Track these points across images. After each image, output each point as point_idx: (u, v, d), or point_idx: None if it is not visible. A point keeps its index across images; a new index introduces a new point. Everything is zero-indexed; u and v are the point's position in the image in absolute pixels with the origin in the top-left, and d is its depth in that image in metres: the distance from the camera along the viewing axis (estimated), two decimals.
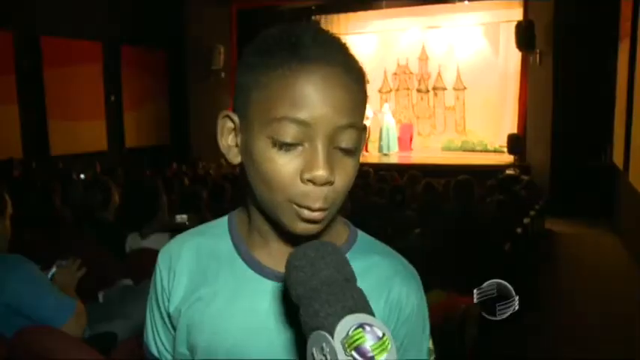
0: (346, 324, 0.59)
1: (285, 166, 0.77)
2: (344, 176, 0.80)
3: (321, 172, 0.76)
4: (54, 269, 2.43)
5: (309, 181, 0.77)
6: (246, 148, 0.82)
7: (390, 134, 13.62)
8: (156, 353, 1.00)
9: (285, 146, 0.77)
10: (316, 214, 0.79)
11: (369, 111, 13.13)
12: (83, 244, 3.38)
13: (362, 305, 0.63)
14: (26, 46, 9.70)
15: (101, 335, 2.41)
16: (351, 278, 0.68)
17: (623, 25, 7.87)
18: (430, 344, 0.94)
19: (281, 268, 0.79)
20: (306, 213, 0.79)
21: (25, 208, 4.33)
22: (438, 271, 3.03)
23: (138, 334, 2.43)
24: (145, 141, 12.34)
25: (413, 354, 0.90)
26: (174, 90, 12.97)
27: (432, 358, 0.94)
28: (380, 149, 13.64)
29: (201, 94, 12.31)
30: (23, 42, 9.63)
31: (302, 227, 0.80)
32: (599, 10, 9.07)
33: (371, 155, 13.58)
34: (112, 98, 11.58)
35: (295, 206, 0.79)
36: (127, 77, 11.91)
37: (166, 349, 0.98)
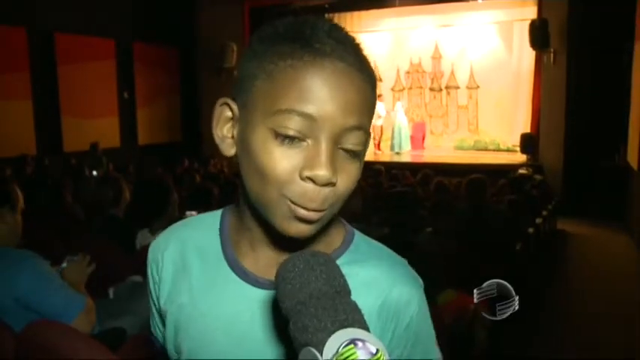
0: (337, 340, 0.56)
1: (284, 160, 0.73)
2: (347, 179, 0.76)
3: (323, 172, 0.72)
4: (64, 265, 2.44)
5: (309, 179, 0.73)
6: (243, 139, 0.78)
7: (402, 133, 13.57)
8: (160, 340, 1.00)
9: (287, 140, 0.73)
10: (312, 214, 0.75)
11: (381, 109, 13.13)
12: (94, 241, 3.39)
13: (354, 319, 0.60)
14: (40, 42, 9.78)
15: (110, 331, 2.42)
16: (342, 290, 0.64)
17: (639, 24, 7.80)
18: (436, 345, 0.90)
19: (266, 275, 0.77)
20: (301, 211, 0.74)
21: (37, 204, 4.36)
22: (449, 270, 3.02)
23: (147, 329, 2.44)
24: (157, 138, 12.40)
25: None
26: (187, 87, 13.02)
27: None
28: (392, 148, 13.60)
29: (214, 92, 12.30)
30: (37, 39, 9.70)
31: (295, 228, 0.76)
32: (614, 9, 9.00)
33: (383, 154, 13.55)
34: (126, 95, 11.64)
35: (290, 203, 0.74)
36: (140, 74, 11.97)
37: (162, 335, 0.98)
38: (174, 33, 12.22)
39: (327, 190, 0.74)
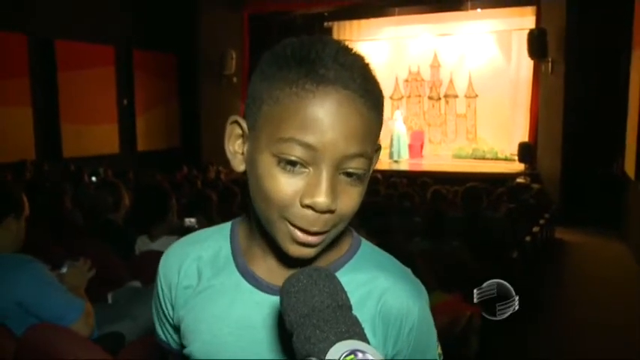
0: (337, 351, 0.58)
1: (286, 186, 0.75)
2: (348, 203, 0.78)
3: (322, 199, 0.74)
4: (64, 270, 2.45)
5: (309, 206, 0.75)
6: (250, 159, 0.80)
7: (400, 141, 13.59)
8: (165, 340, 1.03)
9: (289, 166, 0.75)
10: (312, 238, 0.77)
11: None
12: (93, 246, 3.41)
13: (355, 332, 0.62)
14: (40, 49, 9.79)
15: (108, 335, 2.42)
16: (344, 305, 0.66)
17: (637, 33, 7.83)
18: (438, 349, 0.93)
19: (277, 282, 0.79)
20: (301, 235, 0.77)
21: (37, 209, 4.37)
22: (445, 278, 3.03)
23: (145, 335, 2.45)
24: (156, 144, 12.39)
25: None
26: (186, 94, 13.03)
27: None
28: (391, 156, 13.61)
29: (213, 99, 12.36)
30: (37, 45, 9.72)
31: (296, 250, 0.79)
32: (612, 18, 9.04)
33: (381, 162, 13.54)
34: (125, 102, 11.66)
35: (290, 226, 0.77)
36: (139, 81, 11.98)
37: (174, 341, 1.00)
38: (173, 40, 12.23)
39: (326, 215, 0.76)
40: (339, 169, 0.76)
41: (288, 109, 0.74)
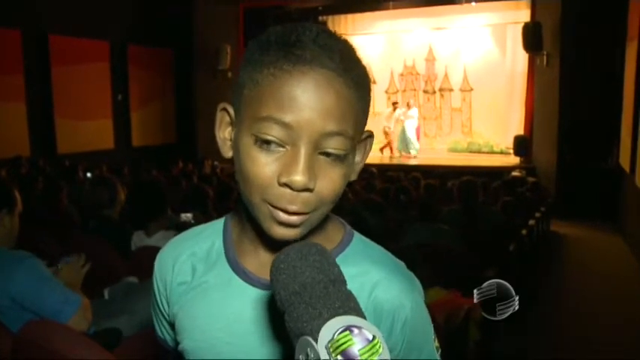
0: (331, 327, 0.56)
1: (264, 166, 0.75)
2: (328, 184, 0.77)
3: (298, 178, 0.73)
4: (60, 265, 2.45)
5: (286, 185, 0.74)
6: (235, 144, 0.81)
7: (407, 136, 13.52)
8: (162, 337, 1.05)
9: (266, 146, 0.75)
10: (293, 218, 0.77)
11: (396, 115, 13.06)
12: (89, 242, 3.40)
13: (349, 306, 0.60)
14: (34, 44, 9.76)
15: (105, 331, 2.42)
16: (337, 279, 0.64)
17: (631, 26, 7.84)
18: (436, 342, 0.91)
19: (267, 276, 0.80)
20: (282, 215, 0.76)
21: (32, 205, 4.36)
22: (442, 271, 3.04)
23: (142, 330, 2.45)
24: (151, 140, 12.38)
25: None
26: (181, 89, 13.01)
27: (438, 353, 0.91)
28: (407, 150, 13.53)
29: (208, 94, 12.34)
30: (31, 40, 9.69)
31: (279, 231, 0.78)
32: (607, 11, 9.05)
33: (374, 156, 13.49)
34: (120, 97, 11.63)
35: (270, 207, 0.77)
36: (134, 76, 11.95)
37: (171, 337, 1.01)
38: (168, 35, 12.21)
39: (305, 194, 0.75)
40: (318, 149, 0.75)
41: (266, 89, 0.74)
